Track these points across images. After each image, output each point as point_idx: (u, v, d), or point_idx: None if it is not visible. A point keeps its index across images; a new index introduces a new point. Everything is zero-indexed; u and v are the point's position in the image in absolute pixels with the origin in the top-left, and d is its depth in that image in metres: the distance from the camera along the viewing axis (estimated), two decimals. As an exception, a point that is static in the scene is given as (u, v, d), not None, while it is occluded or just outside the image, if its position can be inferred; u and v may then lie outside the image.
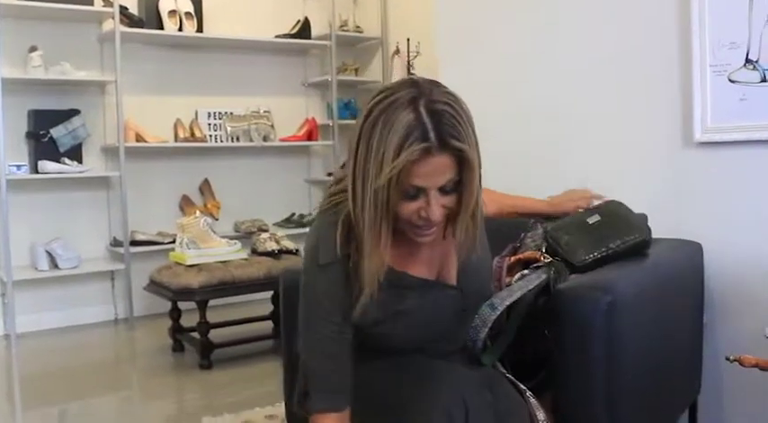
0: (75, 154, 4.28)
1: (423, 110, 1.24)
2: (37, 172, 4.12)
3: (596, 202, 1.92)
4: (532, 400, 1.46)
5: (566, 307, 1.48)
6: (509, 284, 1.67)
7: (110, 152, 4.48)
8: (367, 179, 1.27)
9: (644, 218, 1.89)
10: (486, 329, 1.52)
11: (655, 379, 1.72)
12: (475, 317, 1.52)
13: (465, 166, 1.28)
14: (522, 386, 1.49)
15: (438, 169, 1.26)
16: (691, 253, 2.01)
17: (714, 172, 2.10)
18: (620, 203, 1.87)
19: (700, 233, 2.07)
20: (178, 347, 3.68)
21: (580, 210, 1.91)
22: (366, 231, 1.31)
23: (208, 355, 3.37)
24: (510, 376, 1.53)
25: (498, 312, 1.51)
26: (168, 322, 3.70)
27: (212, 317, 3.48)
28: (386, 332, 1.44)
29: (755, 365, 1.43)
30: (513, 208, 1.95)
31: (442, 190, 1.30)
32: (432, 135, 1.23)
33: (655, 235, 1.84)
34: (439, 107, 1.25)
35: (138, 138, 4.45)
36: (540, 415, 1.44)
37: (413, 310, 1.44)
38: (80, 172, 4.23)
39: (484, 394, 1.36)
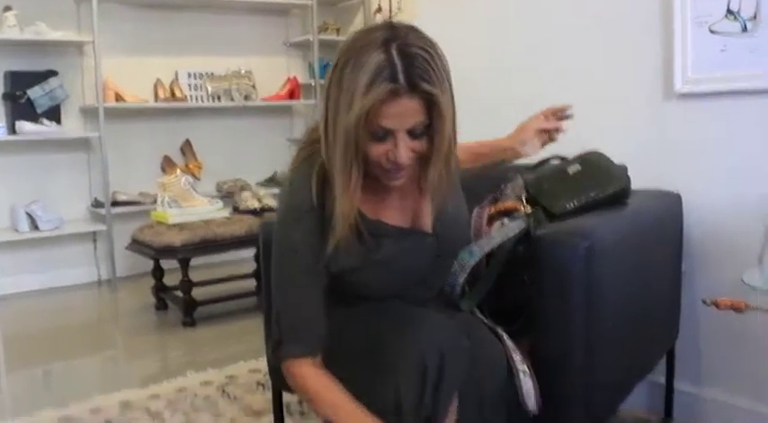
0: (54, 115, 4.24)
1: (394, 51, 1.23)
2: (15, 133, 4.07)
3: (556, 122, 1.88)
4: (509, 343, 1.48)
5: (545, 252, 1.48)
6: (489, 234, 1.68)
7: (89, 113, 4.43)
8: (338, 118, 1.27)
9: (624, 168, 1.89)
10: (465, 275, 1.53)
11: (633, 325, 1.75)
12: (454, 263, 1.53)
13: (435, 111, 1.27)
14: (499, 331, 1.51)
15: (406, 111, 1.25)
16: (670, 203, 2.03)
17: (694, 123, 2.10)
18: (601, 154, 1.88)
19: (679, 184, 2.09)
20: (161, 306, 3.69)
21: (544, 132, 1.86)
22: (337, 172, 1.31)
23: (191, 313, 3.38)
24: (487, 322, 1.54)
25: (477, 258, 1.53)
26: (151, 282, 3.70)
27: (195, 275, 3.49)
28: (363, 280, 1.45)
29: (731, 307, 1.45)
30: (481, 153, 1.90)
31: (411, 134, 1.29)
32: (401, 76, 1.22)
33: (635, 186, 1.85)
34: (412, 50, 1.24)
35: (118, 98, 4.40)
36: (517, 357, 1.46)
37: (389, 258, 1.44)
38: (59, 133, 4.18)
39: (460, 340, 1.36)
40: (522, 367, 1.46)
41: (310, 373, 1.38)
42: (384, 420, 1.27)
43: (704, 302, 1.49)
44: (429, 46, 1.28)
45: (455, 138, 1.35)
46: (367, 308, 1.44)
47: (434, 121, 1.28)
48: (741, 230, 2.00)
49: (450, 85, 1.31)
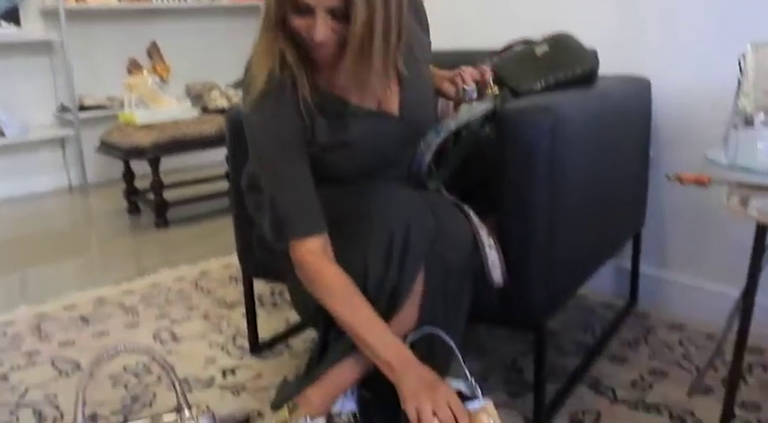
0: (12, 16, 4.10)
1: None
2: (-28, 35, 3.95)
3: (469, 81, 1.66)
4: (475, 219, 1.49)
5: (510, 128, 1.47)
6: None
7: (49, 15, 4.28)
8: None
9: (593, 51, 1.87)
10: (431, 154, 1.52)
11: (598, 206, 1.76)
12: (420, 143, 1.52)
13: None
14: (466, 208, 1.52)
15: None
16: (639, 87, 2.01)
17: (666, 8, 2.07)
18: (570, 36, 1.85)
19: (649, 69, 2.07)
20: (134, 210, 3.67)
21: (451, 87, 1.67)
22: (262, 31, 1.35)
23: (163, 214, 3.37)
24: (453, 199, 1.54)
25: (442, 137, 1.52)
26: (122, 186, 3.67)
27: (168, 179, 3.46)
28: (334, 160, 1.44)
29: (694, 182, 1.46)
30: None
31: (332, 14, 1.25)
32: None
33: (604, 71, 1.83)
34: None
35: (79, -2, 4.26)
36: (483, 232, 1.47)
37: (357, 139, 1.44)
38: (18, 36, 4.06)
39: (427, 216, 1.37)
40: (488, 241, 1.47)
41: (323, 264, 1.34)
42: None
43: (668, 178, 1.50)
44: None
45: (392, 30, 1.29)
46: (335, 187, 1.44)
47: (351, 5, 1.23)
48: (708, 114, 2.00)
49: None
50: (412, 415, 1.21)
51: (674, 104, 2.08)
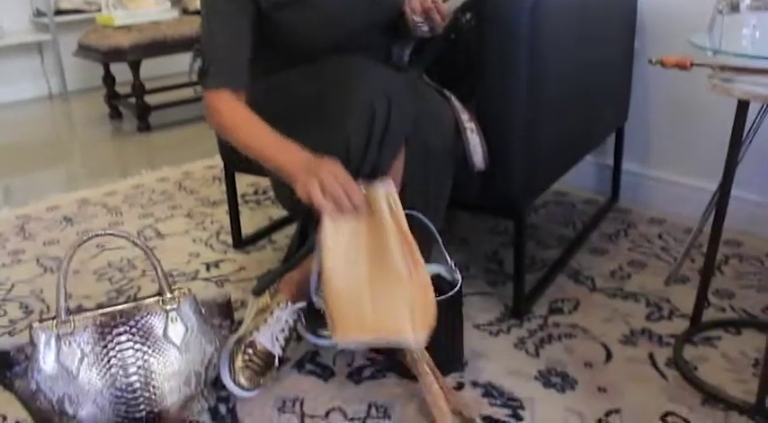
0: None
1: None
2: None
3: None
4: (457, 104, 1.47)
5: (490, 7, 1.44)
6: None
7: None
8: None
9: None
10: (413, 43, 1.50)
11: (580, 95, 1.75)
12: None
13: None
14: (447, 93, 1.50)
15: None
16: (625, -24, 1.97)
17: None
18: None
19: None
20: (115, 115, 3.63)
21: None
22: None
23: (145, 118, 3.33)
24: (434, 84, 1.52)
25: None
26: (103, 92, 3.61)
27: (149, 85, 3.40)
28: (293, 21, 1.41)
29: (676, 65, 1.44)
30: None
31: None
32: None
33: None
34: None
35: None
36: (465, 116, 1.46)
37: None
38: (-10, -66, 3.91)
39: (408, 95, 1.35)
40: (469, 125, 1.46)
41: (229, 107, 1.38)
42: None
43: (650, 62, 1.48)
44: None
45: None
46: (308, 66, 1.42)
47: None
48: (695, 3, 1.97)
49: None
50: (305, 201, 1.21)
51: (661, -4, 2.04)
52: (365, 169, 1.27)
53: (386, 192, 1.23)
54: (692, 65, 1.44)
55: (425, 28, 1.44)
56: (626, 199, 2.24)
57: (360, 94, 1.27)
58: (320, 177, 1.19)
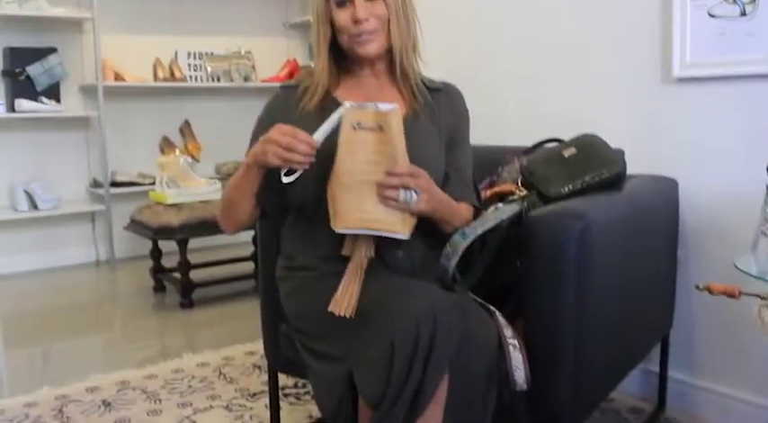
0: (53, 93, 4.22)
1: None
2: (14, 111, 4.06)
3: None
4: (501, 320, 1.47)
5: (538, 233, 1.48)
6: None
7: (88, 92, 4.41)
8: (314, 2, 1.60)
9: (620, 152, 1.89)
10: (458, 257, 1.53)
11: (626, 311, 1.74)
12: (446, 245, 1.53)
13: None
14: (491, 308, 1.51)
15: None
16: (666, 188, 2.02)
17: (692, 108, 2.09)
18: (597, 137, 1.86)
19: (676, 169, 2.08)
20: (159, 288, 3.69)
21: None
22: (313, 42, 1.63)
23: (189, 295, 3.39)
24: (480, 300, 1.54)
25: (469, 240, 1.52)
26: (149, 263, 3.70)
27: (194, 258, 3.49)
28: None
29: (724, 293, 1.45)
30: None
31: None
32: None
33: (631, 171, 1.84)
34: None
35: (117, 77, 4.39)
36: (508, 332, 1.45)
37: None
38: (58, 111, 4.17)
39: (454, 314, 1.35)
40: (512, 342, 1.45)
41: None
42: (372, 392, 1.28)
43: (697, 288, 1.49)
44: None
45: (414, 27, 1.63)
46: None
47: None
48: (736, 217, 1.99)
49: None
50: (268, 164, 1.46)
51: (702, 206, 2.08)
52: (406, 392, 1.26)
53: (395, 113, 1.42)
54: (740, 294, 1.45)
55: (402, 196, 1.44)
56: (673, 408, 2.17)
57: (405, 313, 1.29)
58: (264, 141, 1.45)
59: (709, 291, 1.46)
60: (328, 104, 1.59)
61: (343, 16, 1.56)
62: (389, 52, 1.63)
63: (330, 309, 1.41)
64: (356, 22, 1.54)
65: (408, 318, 1.28)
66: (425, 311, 1.29)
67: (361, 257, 1.48)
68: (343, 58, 1.65)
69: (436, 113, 1.68)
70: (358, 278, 1.44)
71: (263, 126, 1.62)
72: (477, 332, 1.42)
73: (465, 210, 1.66)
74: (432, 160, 1.60)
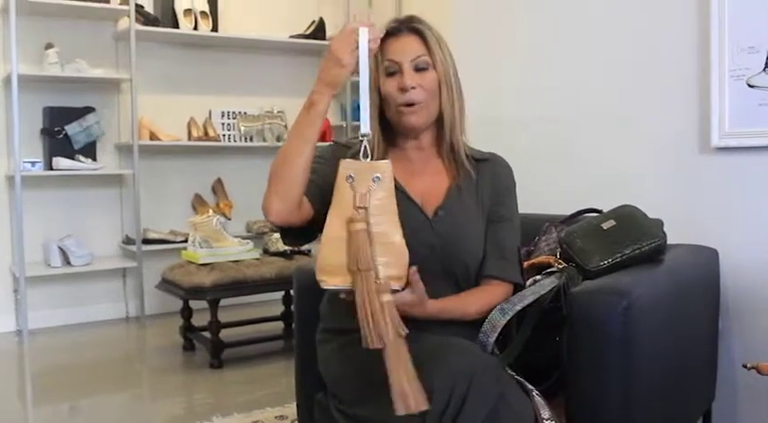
0: (90, 151, 4.30)
1: (400, 17, 1.65)
2: (51, 169, 4.14)
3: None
4: (538, 399, 1.44)
5: (580, 311, 1.46)
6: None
7: (124, 150, 4.49)
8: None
9: (659, 223, 1.87)
10: (496, 334, 1.51)
11: (670, 386, 1.70)
12: (485, 322, 1.52)
13: (431, 51, 1.59)
14: (528, 385, 1.48)
15: (407, 45, 1.59)
16: (707, 259, 1.99)
17: (731, 177, 2.08)
18: (635, 208, 1.85)
19: (716, 239, 2.05)
20: (189, 346, 3.68)
21: None
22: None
23: (218, 355, 3.37)
24: (517, 377, 1.51)
25: (508, 317, 1.52)
26: (179, 321, 3.70)
27: (223, 316, 3.48)
28: None
29: (772, 374, 1.41)
30: None
31: (416, 70, 1.58)
32: (401, 22, 1.63)
33: (671, 240, 1.82)
34: (413, 16, 1.64)
35: (152, 136, 4.46)
36: (546, 414, 1.42)
37: None
38: (94, 169, 4.24)
39: (492, 376, 1.33)
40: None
41: None
42: None
43: (745, 367, 1.45)
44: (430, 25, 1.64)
45: (460, 105, 1.64)
46: None
47: (432, 56, 1.59)
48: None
49: (448, 53, 1.64)
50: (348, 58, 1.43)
51: (744, 276, 2.05)
52: None
53: (389, 168, 1.40)
54: (789, 374, 1.41)
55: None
56: (717, 484, 2.11)
57: (446, 369, 1.28)
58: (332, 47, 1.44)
59: (758, 371, 1.43)
60: None
61: (390, 85, 1.58)
62: (435, 124, 1.64)
63: (399, 413, 1.23)
64: (403, 90, 1.56)
65: (447, 374, 1.27)
66: (464, 370, 1.28)
67: (395, 338, 1.30)
68: (389, 130, 1.66)
69: (480, 185, 1.67)
70: (403, 363, 1.27)
71: (317, 161, 1.61)
72: (512, 405, 1.38)
73: (491, 294, 1.60)
74: (470, 237, 1.60)
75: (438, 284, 1.55)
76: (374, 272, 1.33)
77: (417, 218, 1.60)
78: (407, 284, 1.38)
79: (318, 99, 1.49)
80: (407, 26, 1.61)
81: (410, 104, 1.57)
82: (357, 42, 1.42)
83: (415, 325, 1.46)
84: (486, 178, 1.69)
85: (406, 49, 1.59)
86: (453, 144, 1.65)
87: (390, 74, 1.59)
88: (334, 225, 1.38)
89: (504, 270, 1.63)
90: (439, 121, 1.64)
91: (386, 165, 1.41)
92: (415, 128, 1.61)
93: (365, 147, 1.42)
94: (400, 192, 1.59)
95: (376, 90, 1.59)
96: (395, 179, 1.51)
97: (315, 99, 1.49)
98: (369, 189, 1.38)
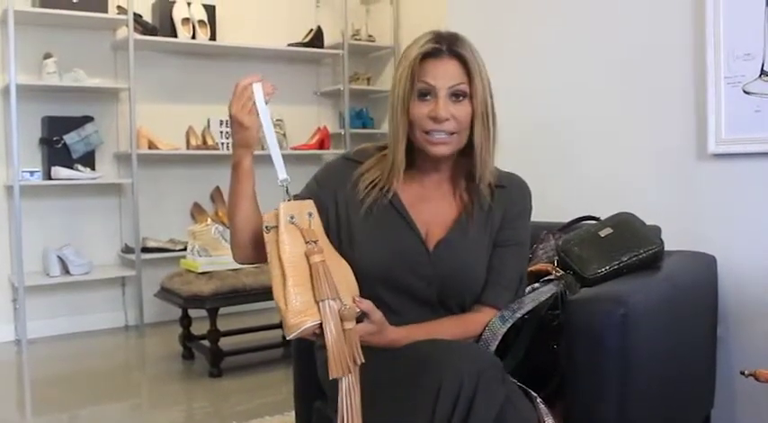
0: (88, 160, 4.30)
1: (442, 32, 1.51)
2: (50, 178, 4.14)
3: None
4: (542, 407, 1.45)
5: (578, 319, 1.46)
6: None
7: (122, 159, 4.49)
8: (394, 88, 1.50)
9: (657, 230, 1.88)
10: (497, 342, 1.51)
11: (667, 393, 1.71)
12: (485, 330, 1.52)
13: (472, 80, 1.48)
14: (532, 393, 1.48)
15: (447, 70, 1.48)
16: (704, 265, 1.99)
17: (728, 184, 2.08)
18: (633, 215, 1.86)
19: (713, 246, 2.05)
20: (188, 355, 3.68)
21: None
22: (391, 132, 1.53)
23: (218, 364, 3.37)
24: (520, 384, 1.51)
25: (509, 325, 1.51)
26: (179, 330, 3.70)
27: (223, 325, 3.48)
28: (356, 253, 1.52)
29: (770, 380, 1.42)
30: None
31: (452, 97, 1.48)
32: (444, 42, 1.49)
33: (668, 247, 1.83)
34: (457, 35, 1.52)
35: (151, 145, 4.46)
36: (549, 421, 1.42)
37: (377, 234, 1.55)
38: (93, 178, 4.24)
39: (499, 377, 1.33)
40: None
41: None
42: None
43: (742, 374, 1.46)
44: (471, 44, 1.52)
45: (493, 139, 1.54)
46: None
47: (472, 85, 1.48)
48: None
49: (486, 76, 1.53)
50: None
51: (742, 282, 2.05)
52: None
53: (313, 204, 1.44)
54: (788, 381, 1.41)
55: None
56: (716, 490, 2.11)
57: (453, 370, 1.27)
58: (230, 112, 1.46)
59: (755, 377, 1.43)
60: (382, 199, 1.57)
61: (421, 109, 1.48)
62: (460, 152, 1.55)
63: None
64: (435, 119, 1.47)
65: (454, 375, 1.26)
66: (471, 370, 1.27)
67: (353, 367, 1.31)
68: (409, 151, 1.56)
69: (492, 212, 1.59)
70: (353, 394, 1.31)
71: (316, 180, 1.69)
72: (519, 411, 1.38)
73: (472, 323, 1.55)
74: (470, 272, 1.56)
75: (432, 313, 1.55)
76: (339, 299, 1.30)
77: (417, 250, 1.55)
78: (363, 314, 1.35)
79: (240, 159, 1.53)
80: (450, 49, 1.49)
81: (440, 134, 1.49)
82: (252, 99, 1.45)
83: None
84: (499, 206, 1.60)
85: (446, 75, 1.48)
86: (483, 174, 1.55)
87: (423, 95, 1.48)
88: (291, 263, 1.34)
89: (496, 298, 1.57)
90: (464, 149, 1.55)
91: (311, 202, 1.46)
92: (440, 158, 1.55)
93: (287, 188, 1.48)
94: (404, 220, 1.56)
95: (405, 111, 1.49)
96: (401, 204, 1.55)
97: (237, 161, 1.53)
98: (309, 224, 1.39)
